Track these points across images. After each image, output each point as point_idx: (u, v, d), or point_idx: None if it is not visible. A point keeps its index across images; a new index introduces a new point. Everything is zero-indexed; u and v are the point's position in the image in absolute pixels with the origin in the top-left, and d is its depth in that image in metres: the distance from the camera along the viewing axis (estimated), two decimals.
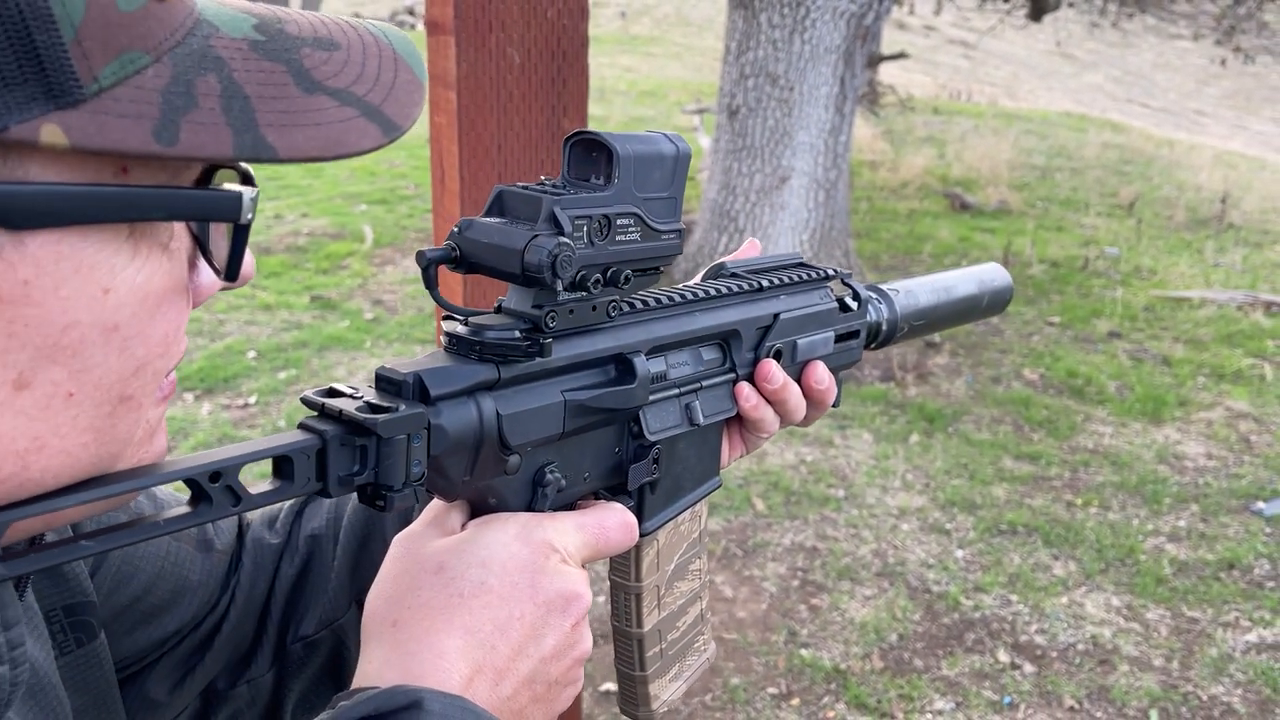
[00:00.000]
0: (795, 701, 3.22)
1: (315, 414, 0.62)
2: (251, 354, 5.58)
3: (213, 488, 0.53)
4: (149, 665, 0.81)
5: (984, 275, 1.11)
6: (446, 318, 0.70)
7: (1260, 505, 4.39)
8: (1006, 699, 3.25)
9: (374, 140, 0.52)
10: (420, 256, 0.66)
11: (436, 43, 1.27)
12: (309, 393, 0.63)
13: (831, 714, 3.18)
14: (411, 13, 23.03)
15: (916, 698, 3.24)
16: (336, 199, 8.79)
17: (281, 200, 8.70)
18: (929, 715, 3.18)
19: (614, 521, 0.73)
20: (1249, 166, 12.40)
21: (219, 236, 0.56)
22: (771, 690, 3.26)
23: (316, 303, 6.35)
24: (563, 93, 1.30)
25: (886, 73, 14.61)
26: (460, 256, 0.68)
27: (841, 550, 3.99)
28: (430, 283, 0.67)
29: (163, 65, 0.46)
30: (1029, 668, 3.39)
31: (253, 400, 5.06)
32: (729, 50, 6.28)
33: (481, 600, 0.64)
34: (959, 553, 4.02)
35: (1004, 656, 3.44)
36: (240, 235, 0.53)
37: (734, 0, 6.23)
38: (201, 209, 0.51)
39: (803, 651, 3.42)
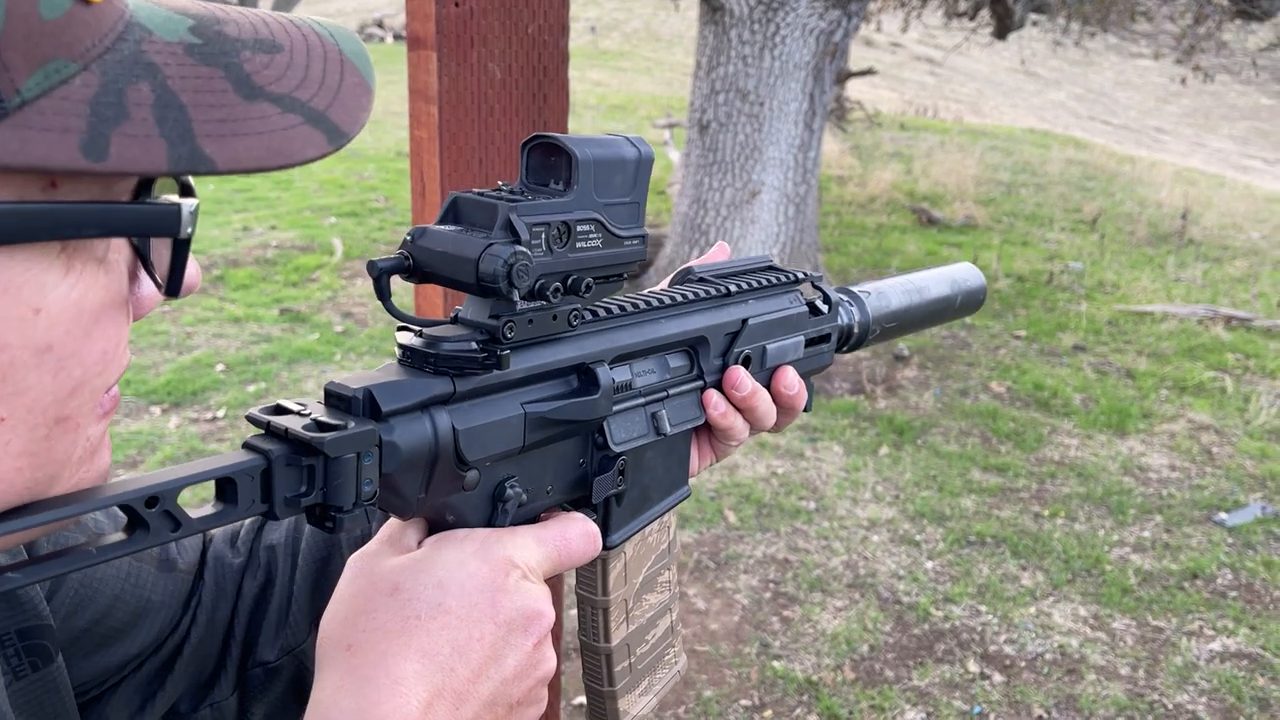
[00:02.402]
0: (768, 713, 3.23)
1: (261, 432, 0.59)
2: (220, 367, 5.52)
3: (149, 513, 0.51)
4: (109, 689, 0.79)
5: (957, 275, 1.10)
6: (400, 329, 0.68)
7: (1222, 516, 4.46)
8: (976, 709, 3.28)
9: (319, 149, 0.49)
10: (372, 266, 0.63)
11: (418, 57, 1.28)
12: (254, 410, 0.60)
13: None
14: (381, 25, 22.95)
15: (888, 708, 3.26)
16: (306, 211, 8.74)
17: (250, 212, 8.64)
18: None
19: (575, 532, 0.71)
20: (1208, 183, 12.62)
21: (160, 246, 0.54)
22: (744, 702, 3.27)
23: (286, 315, 6.30)
24: (543, 107, 1.31)
25: (854, 89, 14.74)
26: (414, 266, 0.65)
27: (813, 562, 4.01)
28: (383, 293, 0.64)
29: (90, 74, 0.43)
30: (998, 677, 3.42)
31: (221, 414, 5.01)
32: (700, 65, 6.32)
33: (439, 622, 0.61)
34: (929, 564, 4.05)
35: (974, 666, 3.47)
36: (181, 250, 0.51)
37: (705, 16, 6.27)
38: (138, 225, 0.48)
39: (775, 663, 3.43)
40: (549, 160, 0.69)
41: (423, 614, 0.61)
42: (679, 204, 6.53)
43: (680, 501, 0.86)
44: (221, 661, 0.83)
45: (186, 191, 0.53)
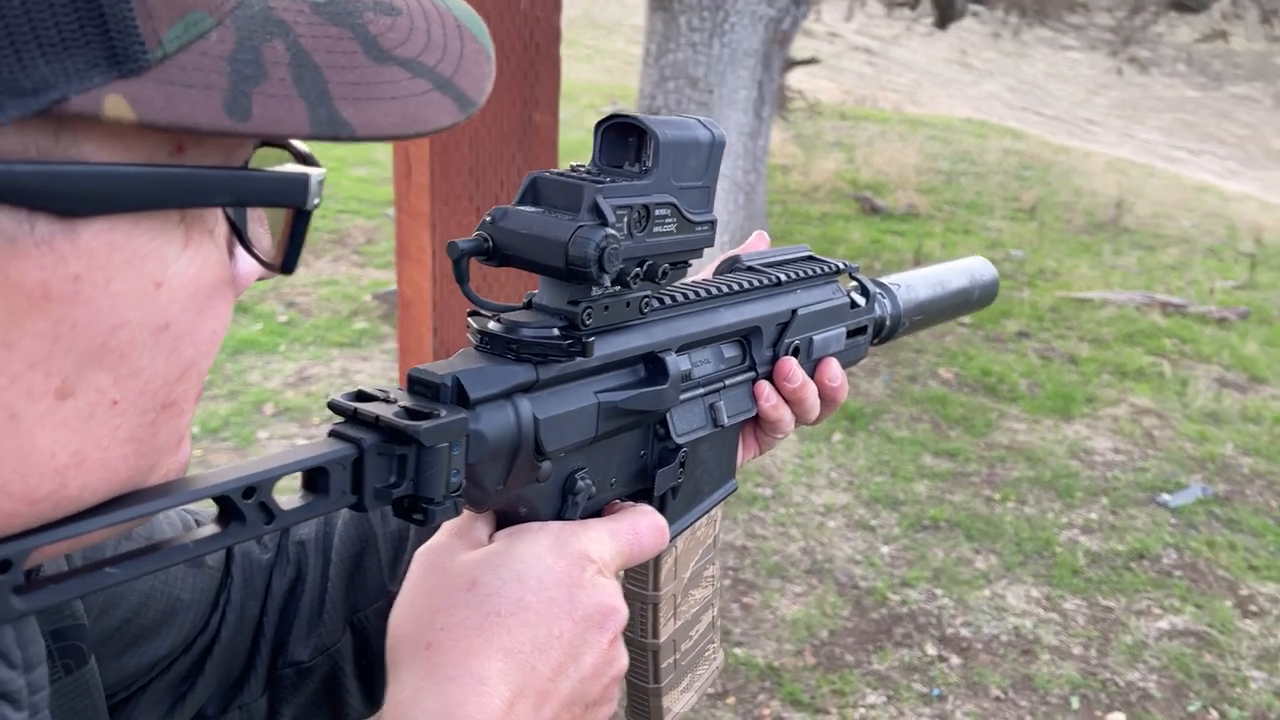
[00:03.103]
0: (731, 700, 3.23)
1: (344, 420, 0.57)
2: None
3: (246, 504, 0.49)
4: (138, 691, 0.75)
5: (973, 269, 1.10)
6: (471, 313, 0.66)
7: (1165, 497, 4.57)
8: (935, 691, 3.32)
9: (450, 116, 0.46)
10: (453, 248, 0.61)
11: None
12: (336, 397, 0.58)
13: (767, 711, 3.20)
14: None
15: (849, 692, 3.28)
16: None
17: None
18: (861, 710, 3.23)
19: (646, 526, 0.69)
20: (1139, 173, 12.92)
21: (254, 223, 0.51)
22: (707, 690, 3.27)
23: None
24: (535, 86, 1.28)
25: (794, 78, 14.83)
26: (493, 248, 0.63)
27: (771, 548, 4.02)
28: (461, 277, 0.63)
29: (225, 29, 0.40)
30: (956, 660, 3.47)
31: None
32: (648, 53, 6.29)
33: (519, 618, 0.60)
34: (884, 549, 4.09)
35: (931, 649, 3.51)
36: (302, 221, 0.48)
37: (654, 3, 6.24)
38: (269, 193, 0.45)
39: (736, 650, 3.44)
40: (624, 140, 0.67)
41: (502, 610, 0.60)
42: None
43: (728, 495, 0.85)
44: (251, 661, 0.80)
45: (304, 160, 0.49)
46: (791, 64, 8.58)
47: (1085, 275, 7.80)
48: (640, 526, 0.69)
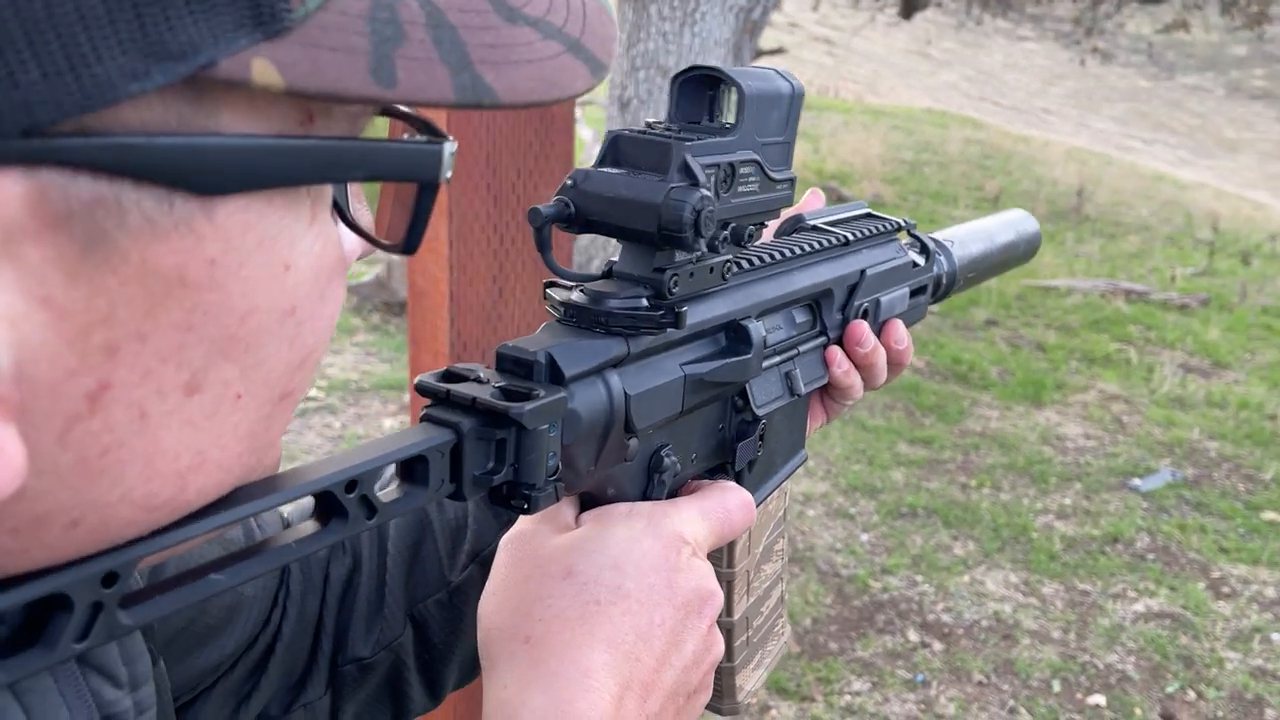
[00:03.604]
0: None
1: (434, 403, 0.53)
2: None
3: (348, 499, 0.46)
4: (203, 693, 0.73)
5: (1017, 222, 1.07)
6: (549, 284, 0.62)
7: (1136, 482, 4.63)
8: (919, 677, 3.34)
9: (585, 81, 0.42)
10: (535, 214, 0.58)
11: None
12: (425, 377, 0.54)
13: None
14: None
15: (834, 680, 3.30)
16: None
17: None
18: (847, 697, 3.24)
19: (735, 503, 0.66)
20: (1097, 162, 13.09)
21: (352, 198, 0.48)
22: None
23: None
24: None
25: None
26: (575, 214, 0.59)
27: None
28: (544, 244, 0.58)
29: None
30: (938, 645, 3.49)
31: None
32: (619, 42, 6.26)
33: (620, 607, 0.57)
34: (864, 536, 4.11)
35: (914, 636, 3.53)
36: (429, 197, 0.43)
37: None
38: (404, 166, 0.41)
39: None
40: (703, 94, 0.64)
41: (602, 599, 0.57)
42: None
43: (800, 465, 0.82)
44: (313, 657, 0.77)
45: (427, 131, 0.45)
46: (759, 54, 8.58)
47: (1050, 263, 7.88)
48: (729, 504, 0.66)
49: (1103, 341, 6.30)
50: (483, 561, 0.76)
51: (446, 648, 0.77)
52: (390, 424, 4.73)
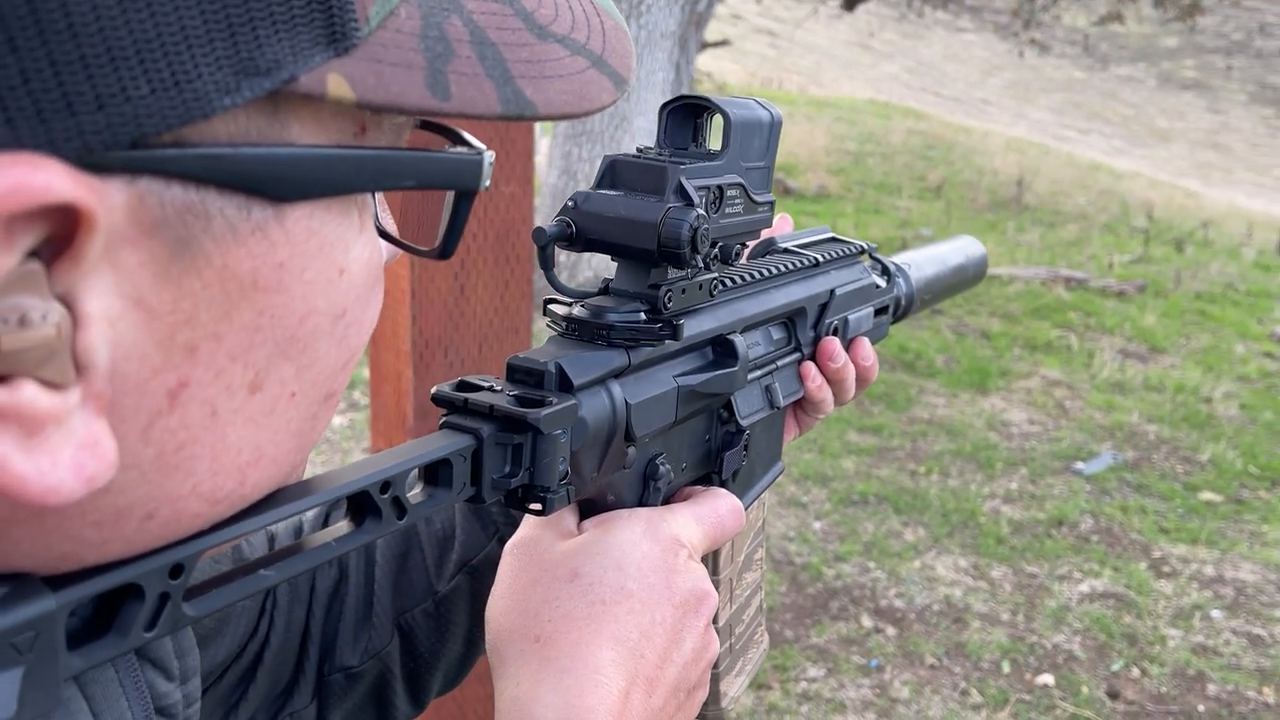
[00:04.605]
0: None
1: (450, 411, 0.56)
2: None
3: (382, 500, 0.48)
4: None
5: (965, 247, 1.13)
6: (549, 301, 0.65)
7: (1079, 465, 4.74)
8: (873, 662, 3.39)
9: (609, 95, 0.46)
10: (540, 234, 0.61)
11: None
12: (442, 387, 0.57)
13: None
14: None
15: (790, 667, 3.33)
16: None
17: None
18: (803, 683, 3.28)
19: (726, 509, 0.70)
20: (1035, 152, 13.34)
21: (380, 209, 0.50)
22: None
23: None
24: None
25: (701, 60, 14.89)
26: (576, 233, 0.63)
27: None
28: (547, 263, 0.61)
29: (410, 5, 0.39)
30: (891, 630, 3.55)
31: None
32: None
33: (624, 606, 0.60)
34: (816, 524, 4.15)
35: (867, 622, 3.58)
36: (466, 204, 0.47)
37: None
38: (448, 175, 0.44)
39: None
40: (689, 121, 0.68)
41: (607, 599, 0.60)
42: (548, 175, 6.46)
43: (777, 477, 0.86)
44: (300, 666, 0.77)
45: (459, 141, 0.48)
46: (704, 45, 8.61)
47: (992, 252, 8.02)
48: (721, 509, 0.70)
49: (1044, 329, 6.42)
50: (470, 571, 0.78)
51: (432, 656, 0.79)
52: (339, 421, 4.68)
